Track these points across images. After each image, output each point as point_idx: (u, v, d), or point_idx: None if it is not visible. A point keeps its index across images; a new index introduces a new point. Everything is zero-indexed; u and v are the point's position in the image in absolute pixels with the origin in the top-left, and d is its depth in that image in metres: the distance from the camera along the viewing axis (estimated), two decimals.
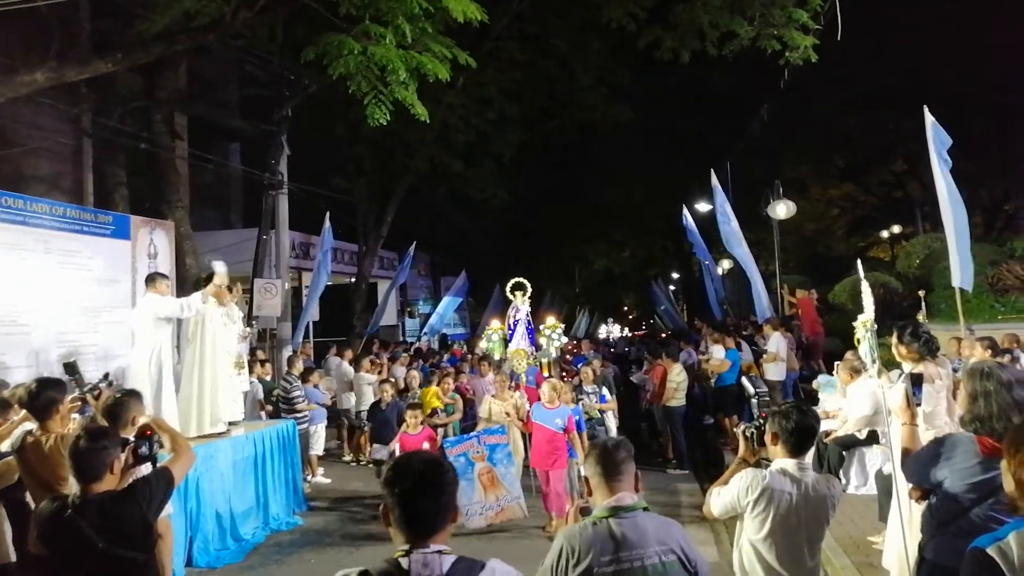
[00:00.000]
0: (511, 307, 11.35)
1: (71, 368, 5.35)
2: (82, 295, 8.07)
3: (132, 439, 3.37)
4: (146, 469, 3.35)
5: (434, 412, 9.34)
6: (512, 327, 11.11)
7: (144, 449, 3.36)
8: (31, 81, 7.33)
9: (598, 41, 16.33)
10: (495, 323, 11.87)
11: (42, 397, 4.08)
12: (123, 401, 4.10)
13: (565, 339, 12.46)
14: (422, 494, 2.00)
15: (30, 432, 4.10)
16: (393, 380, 10.72)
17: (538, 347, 11.22)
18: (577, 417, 7.46)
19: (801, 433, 3.09)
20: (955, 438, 3.14)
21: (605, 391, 9.27)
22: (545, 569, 2.59)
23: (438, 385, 10.20)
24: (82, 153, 11.61)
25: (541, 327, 11.66)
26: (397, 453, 6.69)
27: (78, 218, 8.23)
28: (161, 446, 3.52)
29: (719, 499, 3.19)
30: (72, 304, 7.95)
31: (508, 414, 7.78)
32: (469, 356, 14.18)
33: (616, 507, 2.59)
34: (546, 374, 10.28)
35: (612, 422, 9.40)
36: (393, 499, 1.99)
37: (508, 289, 11.39)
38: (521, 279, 11.40)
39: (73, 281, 7.97)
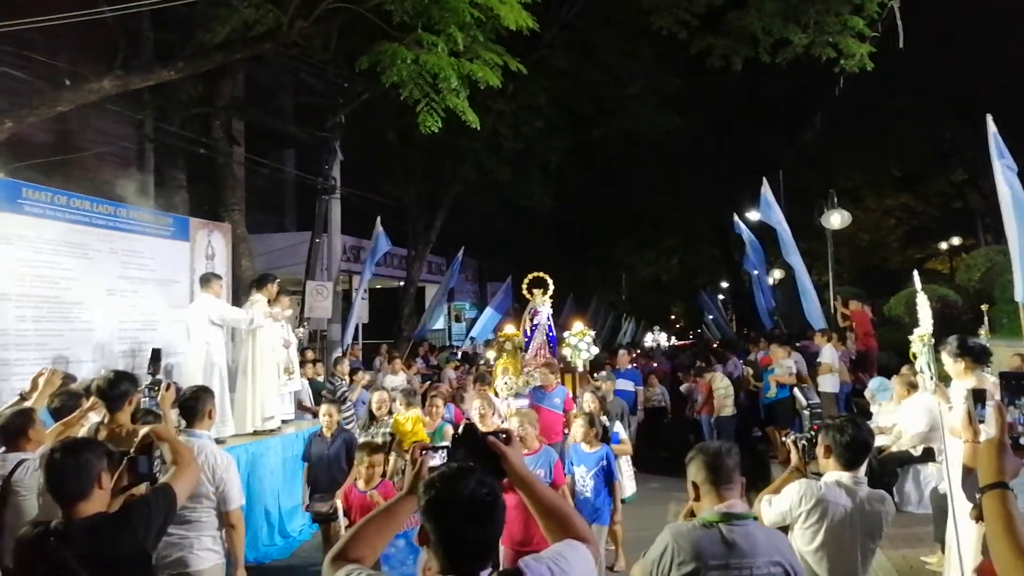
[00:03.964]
0: (528, 308, 9.38)
1: (156, 355, 5.60)
2: (143, 293, 8.37)
3: (130, 453, 2.85)
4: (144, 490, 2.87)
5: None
6: (529, 334, 9.21)
7: (143, 466, 2.84)
8: (99, 89, 7.64)
9: (647, 48, 16.22)
10: (509, 328, 9.47)
11: (119, 387, 4.21)
12: (199, 395, 4.19)
13: (596, 350, 10.03)
14: (469, 523, 1.77)
15: (102, 422, 4.27)
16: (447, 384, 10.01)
17: (561, 359, 9.20)
18: (604, 463, 5.77)
19: (855, 447, 3.02)
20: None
21: (619, 428, 7.01)
22: (647, 561, 2.55)
23: (427, 406, 7.11)
24: (144, 157, 12.04)
25: (566, 335, 9.54)
26: (341, 516, 5.12)
27: (140, 219, 8.53)
28: (163, 462, 3.01)
29: (770, 508, 3.11)
30: (135, 303, 8.25)
31: None
32: (472, 370, 11.37)
33: (728, 513, 2.55)
34: (569, 393, 8.26)
35: (628, 468, 6.99)
36: (435, 531, 1.78)
37: (525, 286, 9.38)
38: (541, 274, 9.30)
39: (135, 280, 8.27)
